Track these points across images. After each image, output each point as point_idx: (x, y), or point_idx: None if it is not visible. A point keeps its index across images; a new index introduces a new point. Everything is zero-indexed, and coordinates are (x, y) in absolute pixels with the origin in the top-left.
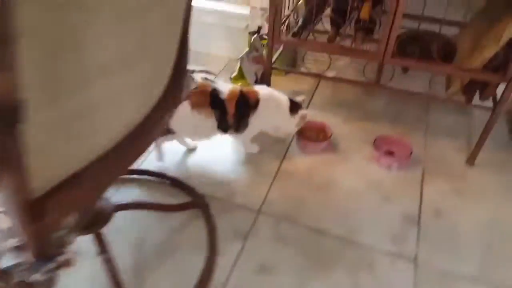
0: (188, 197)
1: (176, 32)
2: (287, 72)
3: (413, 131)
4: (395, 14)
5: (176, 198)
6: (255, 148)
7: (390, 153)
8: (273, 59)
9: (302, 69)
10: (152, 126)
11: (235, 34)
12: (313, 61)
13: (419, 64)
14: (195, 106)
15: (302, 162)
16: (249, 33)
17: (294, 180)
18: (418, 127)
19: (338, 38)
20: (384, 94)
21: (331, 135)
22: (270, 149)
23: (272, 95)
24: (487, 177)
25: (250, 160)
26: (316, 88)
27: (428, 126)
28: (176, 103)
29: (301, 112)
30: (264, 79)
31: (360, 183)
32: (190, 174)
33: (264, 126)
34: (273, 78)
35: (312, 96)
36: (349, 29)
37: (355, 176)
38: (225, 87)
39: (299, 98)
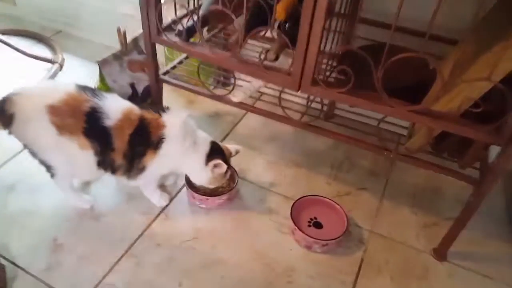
0: None
1: None
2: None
3: (363, 191)
4: (313, 11)
5: None
6: (163, 199)
7: (316, 226)
8: (171, 66)
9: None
10: None
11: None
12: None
13: (356, 99)
14: (62, 129)
15: (182, 224)
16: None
17: (157, 256)
18: (373, 186)
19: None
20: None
21: (234, 186)
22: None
23: (183, 131)
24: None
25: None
26: (246, 113)
27: (388, 184)
28: None
29: (215, 162)
30: (147, 96)
31: (261, 268)
32: None
33: (166, 170)
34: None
35: (236, 124)
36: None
37: (255, 257)
38: (115, 106)
39: (233, 147)
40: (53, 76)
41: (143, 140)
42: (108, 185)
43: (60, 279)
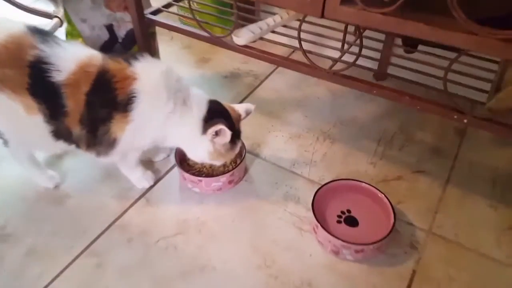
0: None
1: None
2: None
3: (420, 175)
4: None
5: None
6: (146, 179)
7: (349, 222)
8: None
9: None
10: None
11: None
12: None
13: (415, 24)
14: (2, 85)
15: (165, 213)
16: None
17: (126, 256)
18: (434, 168)
19: None
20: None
21: (239, 163)
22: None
23: (164, 85)
24: None
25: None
26: (272, 72)
27: (456, 165)
28: None
29: (216, 127)
30: (131, 44)
31: (265, 281)
32: None
33: (146, 142)
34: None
35: (257, 87)
36: None
37: (259, 264)
38: (69, 55)
39: (241, 107)
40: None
41: (106, 100)
42: (83, 159)
43: None
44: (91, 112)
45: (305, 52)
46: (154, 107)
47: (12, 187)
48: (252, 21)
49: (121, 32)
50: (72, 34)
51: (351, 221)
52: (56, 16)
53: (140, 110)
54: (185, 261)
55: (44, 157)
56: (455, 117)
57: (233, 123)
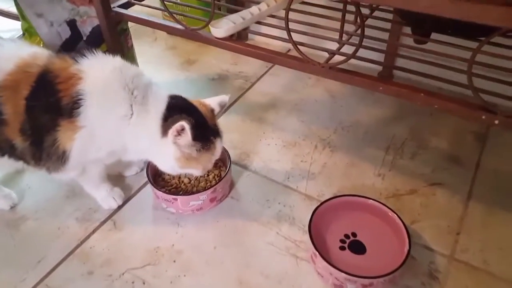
0: None
1: None
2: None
3: (437, 188)
4: None
5: None
6: (113, 198)
7: (354, 248)
8: None
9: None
10: None
11: None
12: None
13: None
14: None
15: (134, 239)
16: None
17: None
18: (453, 180)
19: None
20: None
21: (223, 176)
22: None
23: (115, 84)
24: None
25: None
26: (264, 74)
27: (479, 176)
28: None
29: (178, 125)
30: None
31: None
32: None
33: (101, 154)
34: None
35: (247, 90)
36: None
37: None
38: (8, 53)
39: (214, 100)
40: None
41: (48, 104)
42: (45, 174)
43: None
44: (32, 119)
45: (295, 43)
46: (105, 110)
47: None
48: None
49: (85, 29)
50: (30, 32)
51: (357, 247)
52: None
53: (89, 114)
54: None
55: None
56: (483, 117)
57: (202, 119)
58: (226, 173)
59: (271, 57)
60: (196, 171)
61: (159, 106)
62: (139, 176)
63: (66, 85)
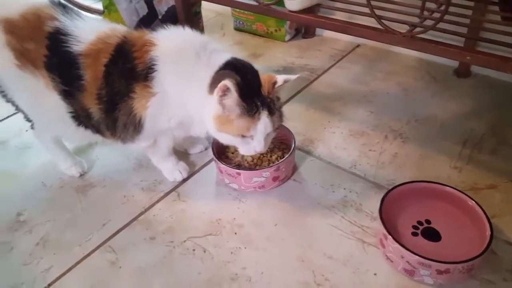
0: None
1: None
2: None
3: None
4: None
5: None
6: (179, 172)
7: (429, 235)
8: None
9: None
10: None
11: None
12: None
13: None
14: (22, 58)
15: (197, 211)
16: None
17: (145, 256)
18: None
19: None
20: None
21: (287, 156)
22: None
23: (185, 49)
24: None
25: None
26: (331, 67)
27: None
28: None
29: (222, 84)
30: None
31: None
32: None
33: (173, 121)
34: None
35: (313, 81)
36: None
37: (307, 280)
38: (89, 27)
39: (279, 76)
40: None
41: (125, 70)
42: (114, 147)
43: (2, 271)
44: (109, 84)
45: (376, 15)
46: (176, 75)
47: (35, 175)
48: None
49: (161, 8)
50: (110, 9)
51: (431, 234)
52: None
53: (162, 80)
54: (214, 268)
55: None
56: None
57: (254, 85)
58: (291, 153)
59: (349, 28)
60: (233, 139)
61: (216, 64)
62: (203, 154)
63: (140, 52)
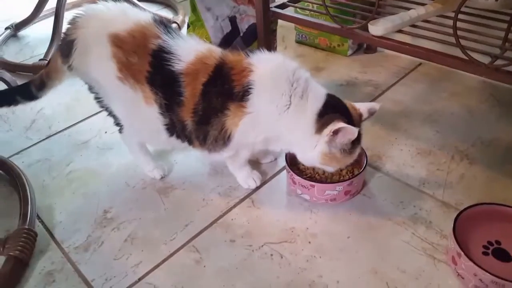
0: None
1: None
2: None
3: None
4: None
5: None
6: (253, 180)
7: (499, 255)
8: None
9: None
10: None
11: None
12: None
13: None
14: (125, 70)
15: (271, 218)
16: None
17: (227, 257)
18: None
19: None
20: None
21: (360, 172)
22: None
23: (280, 77)
24: None
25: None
26: (395, 83)
27: None
28: None
29: (336, 125)
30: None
31: None
32: None
33: (259, 139)
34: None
35: (377, 97)
36: None
37: None
38: (189, 46)
39: (364, 105)
40: None
41: (222, 90)
42: (191, 153)
43: (93, 264)
44: (206, 101)
45: (461, 45)
46: (270, 99)
47: (118, 175)
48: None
49: (243, 26)
50: (195, 25)
51: (502, 255)
52: (175, 22)
53: (256, 102)
54: (291, 273)
55: (153, 148)
56: None
57: (352, 122)
58: (364, 169)
59: (432, 56)
60: (331, 169)
61: (316, 102)
62: (273, 164)
63: (239, 76)
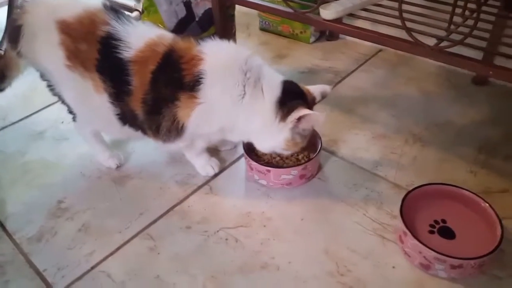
0: None
1: None
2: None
3: None
4: None
5: None
6: (210, 167)
7: (444, 233)
8: None
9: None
10: None
11: None
12: None
13: None
14: (73, 58)
15: (228, 204)
16: None
17: (182, 244)
18: None
19: None
20: None
21: (314, 156)
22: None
23: (235, 65)
24: None
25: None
26: (355, 70)
27: None
28: None
29: (300, 112)
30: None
31: None
32: None
33: (214, 129)
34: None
35: (337, 83)
36: None
37: (331, 271)
38: (139, 33)
39: (316, 88)
40: None
41: (171, 79)
42: (148, 141)
43: (45, 255)
44: (155, 90)
45: (407, 27)
46: (223, 89)
47: (74, 165)
48: None
49: (198, 10)
50: (149, 10)
51: (447, 233)
52: (136, 10)
53: (208, 92)
54: (245, 256)
55: (110, 137)
56: None
57: (310, 107)
58: (317, 153)
59: (382, 39)
60: (288, 152)
61: (274, 90)
62: (233, 151)
63: (189, 65)
